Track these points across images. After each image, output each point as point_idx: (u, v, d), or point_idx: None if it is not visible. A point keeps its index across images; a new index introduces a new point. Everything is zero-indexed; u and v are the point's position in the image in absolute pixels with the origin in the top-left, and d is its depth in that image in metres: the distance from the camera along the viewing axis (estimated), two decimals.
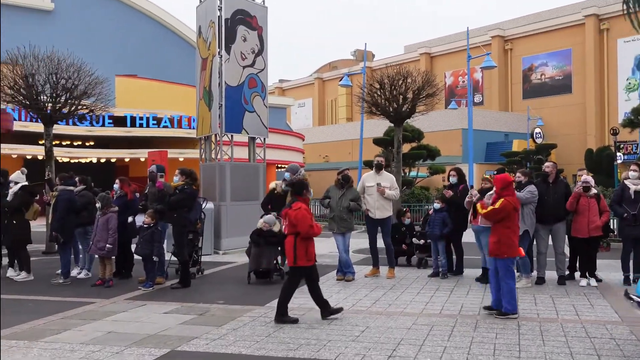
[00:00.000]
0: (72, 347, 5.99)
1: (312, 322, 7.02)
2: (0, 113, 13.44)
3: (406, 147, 28.20)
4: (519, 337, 6.26)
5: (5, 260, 10.79)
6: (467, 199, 9.82)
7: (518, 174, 9.58)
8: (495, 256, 7.25)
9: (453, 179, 10.53)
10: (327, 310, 7.17)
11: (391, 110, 16.18)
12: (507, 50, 55.10)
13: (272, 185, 11.19)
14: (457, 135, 42.16)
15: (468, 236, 10.58)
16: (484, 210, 7.41)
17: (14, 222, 10.21)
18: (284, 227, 7.46)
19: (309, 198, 7.54)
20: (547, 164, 10.00)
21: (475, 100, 52.74)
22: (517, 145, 44.31)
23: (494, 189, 7.41)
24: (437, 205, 10.50)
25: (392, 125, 18.18)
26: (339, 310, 7.27)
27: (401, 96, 16.16)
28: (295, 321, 6.97)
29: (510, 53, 55.00)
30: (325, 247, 14.61)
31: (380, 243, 10.38)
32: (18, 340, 6.26)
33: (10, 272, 10.55)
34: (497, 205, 7.23)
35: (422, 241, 11.42)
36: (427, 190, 28.20)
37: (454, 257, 10.61)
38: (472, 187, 10.45)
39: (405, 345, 5.96)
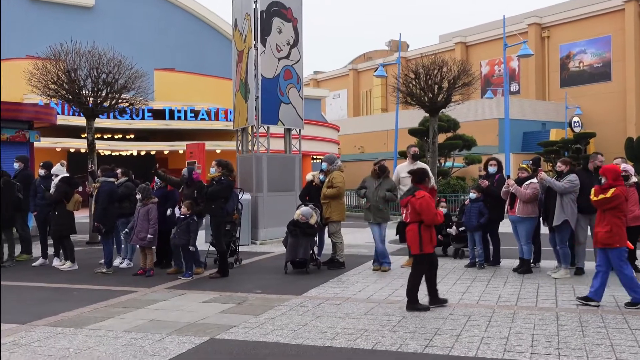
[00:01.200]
0: (115, 334, 6.18)
1: (349, 312, 7.09)
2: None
3: (442, 137, 28.00)
4: (557, 328, 6.21)
5: (8, 249, 11.23)
6: (503, 189, 9.77)
7: (559, 164, 9.44)
8: (607, 246, 7.15)
9: (493, 169, 10.47)
10: (435, 298, 7.28)
11: (426, 100, 16.05)
12: (544, 37, 53.96)
13: (308, 177, 11.27)
14: (493, 124, 41.57)
15: (505, 226, 10.51)
16: (596, 198, 7.30)
17: (56, 213, 10.55)
18: (403, 215, 7.52)
19: (435, 187, 7.62)
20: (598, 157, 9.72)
21: (511, 89, 51.94)
22: (554, 135, 43.48)
23: (603, 180, 7.29)
24: (473, 195, 10.44)
25: (427, 115, 18.01)
26: (445, 300, 7.38)
27: (436, 86, 16.01)
28: (427, 309, 7.07)
29: (548, 41, 53.85)
30: (361, 238, 14.68)
31: None
32: (64, 327, 6.49)
33: (56, 262, 10.90)
34: (608, 194, 7.14)
35: (456, 229, 11.34)
36: (463, 181, 27.94)
37: (491, 247, 10.55)
38: (508, 177, 10.36)
39: (442, 335, 5.98)
